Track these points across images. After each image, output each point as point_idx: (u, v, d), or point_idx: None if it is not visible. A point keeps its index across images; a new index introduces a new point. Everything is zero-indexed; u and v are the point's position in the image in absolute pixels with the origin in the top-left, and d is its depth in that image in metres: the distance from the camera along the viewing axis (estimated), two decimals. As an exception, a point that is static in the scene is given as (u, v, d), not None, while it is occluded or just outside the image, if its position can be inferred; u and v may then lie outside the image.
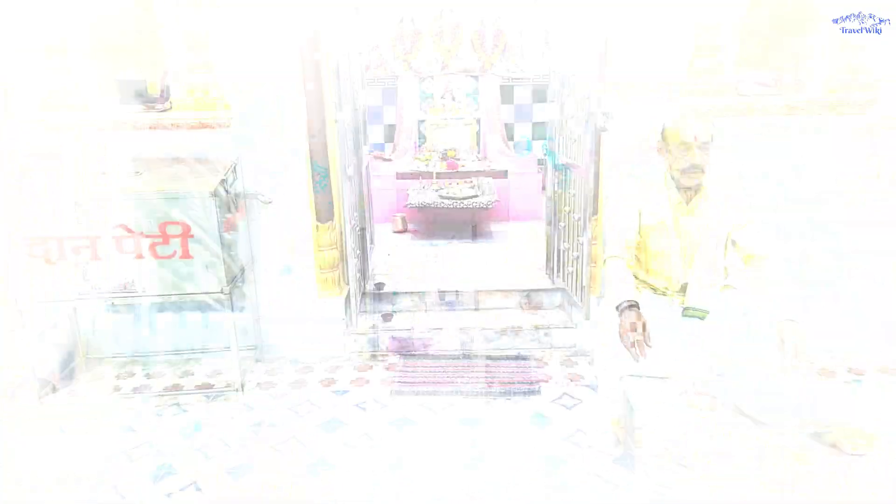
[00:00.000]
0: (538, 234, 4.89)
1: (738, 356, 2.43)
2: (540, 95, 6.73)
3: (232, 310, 2.92)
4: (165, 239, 2.80)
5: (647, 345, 2.26)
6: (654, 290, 2.66)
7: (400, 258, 4.43)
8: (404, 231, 5.19)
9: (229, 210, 2.95)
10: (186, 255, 2.81)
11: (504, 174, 5.48)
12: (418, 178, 5.41)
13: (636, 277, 2.60)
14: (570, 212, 3.35)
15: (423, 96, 6.17)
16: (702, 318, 2.51)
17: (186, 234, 2.79)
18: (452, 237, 4.98)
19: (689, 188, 2.57)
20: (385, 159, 5.71)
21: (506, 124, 6.27)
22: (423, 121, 5.95)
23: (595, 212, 3.16)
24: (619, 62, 3.08)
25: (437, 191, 5.17)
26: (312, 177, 3.30)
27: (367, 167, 4.12)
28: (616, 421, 2.54)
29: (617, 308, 2.38)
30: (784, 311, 2.35)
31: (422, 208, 4.98)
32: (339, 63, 3.07)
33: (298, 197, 3.30)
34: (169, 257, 2.81)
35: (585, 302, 3.15)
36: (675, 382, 2.35)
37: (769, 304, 2.44)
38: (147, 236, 2.79)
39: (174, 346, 3.49)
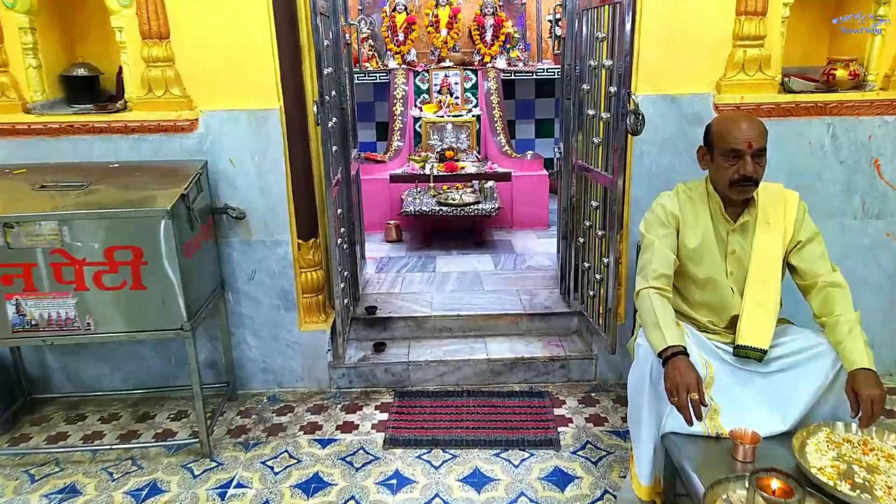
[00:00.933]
0: (547, 245, 4.46)
1: (803, 407, 2.00)
2: (543, 90, 6.29)
3: (195, 349, 2.45)
4: (113, 266, 2.33)
5: (703, 403, 1.83)
6: (698, 325, 2.23)
7: (393, 274, 3.98)
8: (398, 240, 4.73)
9: (192, 228, 2.49)
10: (138, 285, 2.35)
11: (507, 177, 5.03)
12: (414, 182, 4.94)
13: (675, 311, 2.17)
14: (590, 227, 2.91)
15: (417, 92, 5.70)
16: (758, 360, 2.08)
17: (138, 261, 2.33)
18: (452, 248, 4.53)
19: (738, 203, 2.15)
20: (377, 161, 5.24)
21: (507, 121, 5.81)
22: (418, 119, 5.49)
23: (622, 227, 2.72)
24: (652, 53, 2.64)
25: (434, 196, 4.71)
26: (293, 186, 2.85)
27: (357, 173, 3.67)
28: (650, 489, 2.11)
29: (660, 356, 1.94)
30: (857, 355, 1.92)
31: (418, 216, 4.53)
32: (323, 54, 2.60)
33: (276, 210, 2.84)
34: (118, 288, 2.35)
35: (611, 331, 2.71)
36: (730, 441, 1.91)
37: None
38: (90, 263, 2.33)
39: (133, 381, 3.04)
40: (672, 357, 1.90)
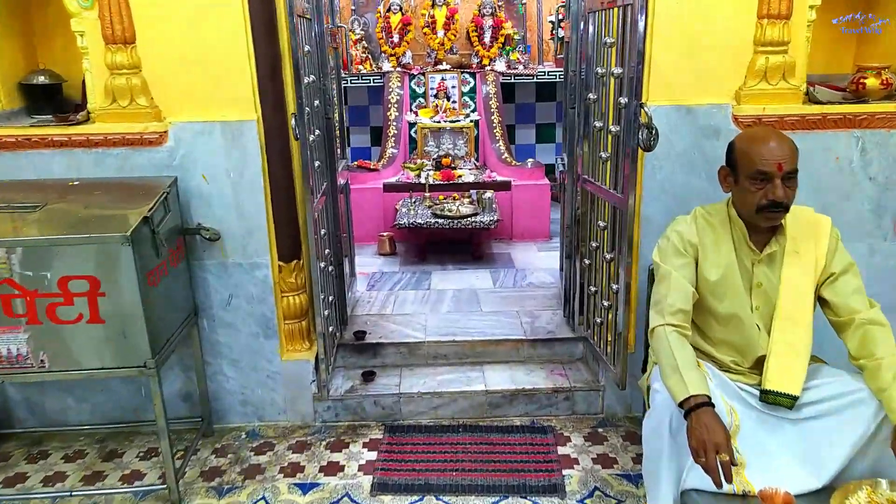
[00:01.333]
0: (549, 260, 4.22)
1: (840, 462, 1.77)
2: (544, 94, 6.06)
3: (161, 388, 2.22)
4: (68, 298, 2.10)
5: (733, 463, 1.60)
6: (719, 365, 2.00)
7: (385, 292, 3.74)
8: (392, 253, 4.49)
9: (158, 254, 2.25)
10: (96, 318, 2.12)
11: (507, 186, 4.79)
12: (408, 191, 4.70)
13: (694, 348, 1.94)
14: (597, 248, 2.68)
15: (413, 96, 5.46)
16: (788, 407, 1.85)
17: (95, 292, 2.09)
18: (448, 262, 4.29)
19: (765, 230, 1.92)
20: (370, 169, 5.00)
21: (507, 126, 5.57)
22: (413, 124, 5.25)
23: (631, 248, 2.48)
24: (665, 59, 2.41)
25: (429, 207, 4.46)
26: (272, 204, 2.61)
27: (346, 183, 3.43)
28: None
29: (681, 406, 1.71)
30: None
31: (412, 228, 4.29)
32: (302, 60, 2.37)
33: (255, 230, 2.61)
34: (73, 322, 2.12)
35: (621, 364, 2.47)
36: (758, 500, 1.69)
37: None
38: (43, 295, 2.09)
39: (101, 415, 2.80)
40: (696, 408, 1.67)
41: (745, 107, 2.46)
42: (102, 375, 2.20)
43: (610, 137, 2.47)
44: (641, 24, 2.13)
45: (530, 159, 5.30)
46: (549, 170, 5.43)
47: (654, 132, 2.21)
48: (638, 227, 2.57)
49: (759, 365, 1.94)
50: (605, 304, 2.59)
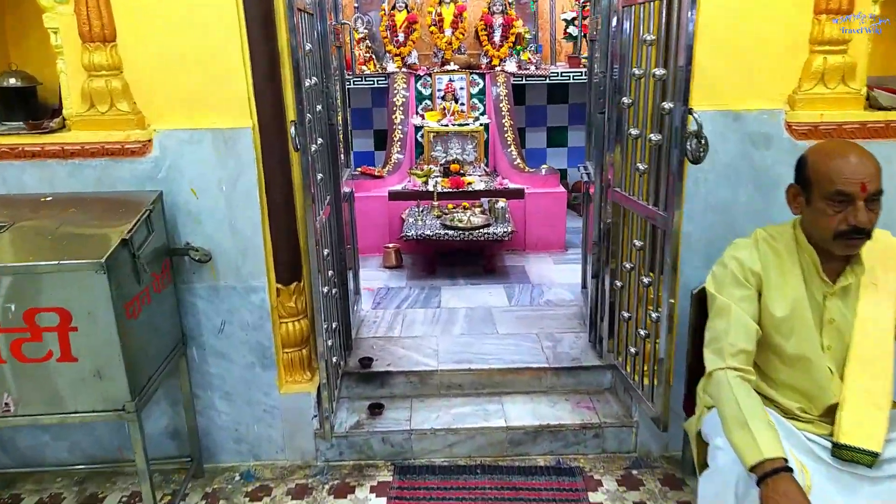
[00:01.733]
0: (566, 274, 3.95)
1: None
2: (556, 95, 5.79)
3: (142, 434, 1.95)
4: (35, 333, 1.83)
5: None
6: (784, 411, 1.74)
7: (392, 311, 3.46)
8: (398, 266, 4.22)
9: (139, 280, 1.99)
10: (68, 356, 1.85)
11: (520, 194, 4.52)
12: (415, 200, 4.43)
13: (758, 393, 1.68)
14: (631, 269, 2.41)
15: (419, 98, 5.20)
16: (868, 465, 1.59)
17: (66, 327, 1.83)
18: (458, 276, 4.01)
19: (839, 258, 1.67)
20: (374, 175, 4.73)
21: (518, 129, 5.29)
22: (419, 128, 4.98)
23: (675, 273, 2.21)
24: (709, 59, 2.14)
25: (438, 217, 4.19)
26: (270, 220, 2.35)
27: (351, 192, 3.17)
28: None
29: (752, 471, 1.45)
30: None
31: (421, 240, 4.02)
32: (303, 61, 2.10)
33: (250, 250, 2.34)
34: (42, 360, 1.85)
35: (662, 400, 2.20)
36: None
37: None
38: (7, 330, 1.82)
39: (81, 453, 2.53)
40: (772, 474, 1.41)
41: (800, 113, 2.19)
42: (76, 420, 1.93)
43: (648, 146, 2.20)
44: (692, 21, 1.87)
45: (544, 165, 5.04)
46: (562, 176, 5.15)
47: (703, 142, 1.94)
48: (680, 248, 2.30)
49: (830, 413, 1.69)
50: (642, 332, 2.32)
